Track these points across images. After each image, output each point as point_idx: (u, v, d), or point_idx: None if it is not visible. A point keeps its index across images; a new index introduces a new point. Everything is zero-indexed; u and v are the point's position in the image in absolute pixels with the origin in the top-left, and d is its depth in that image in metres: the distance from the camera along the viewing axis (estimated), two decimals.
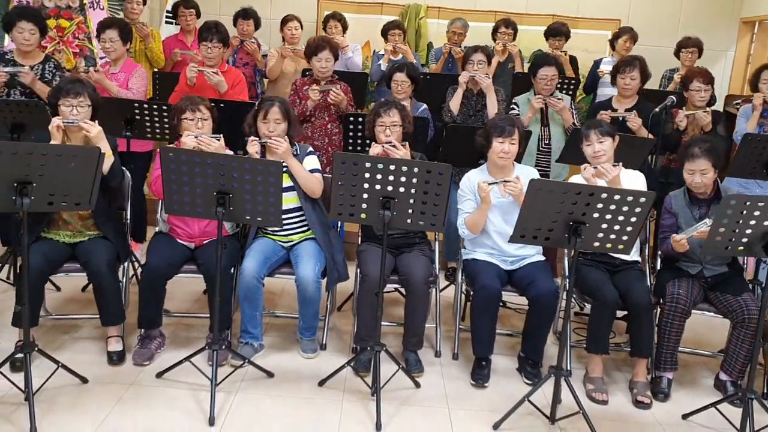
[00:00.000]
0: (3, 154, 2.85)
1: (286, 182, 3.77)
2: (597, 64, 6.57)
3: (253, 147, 3.71)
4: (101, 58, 5.17)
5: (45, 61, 4.58)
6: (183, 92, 4.61)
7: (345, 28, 6.40)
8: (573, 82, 5.98)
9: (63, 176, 3.01)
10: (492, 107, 4.80)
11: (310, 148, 3.94)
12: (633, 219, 3.04)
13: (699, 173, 3.63)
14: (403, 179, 3.14)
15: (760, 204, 2.97)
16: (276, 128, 3.75)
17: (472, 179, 3.84)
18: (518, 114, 4.81)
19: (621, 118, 4.73)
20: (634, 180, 3.79)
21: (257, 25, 6.25)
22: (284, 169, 3.77)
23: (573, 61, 6.60)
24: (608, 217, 3.03)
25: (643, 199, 2.98)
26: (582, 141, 3.85)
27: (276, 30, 6.57)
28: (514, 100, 5.00)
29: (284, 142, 3.70)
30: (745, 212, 3.00)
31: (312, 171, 3.81)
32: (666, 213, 3.81)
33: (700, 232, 3.37)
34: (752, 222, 3.03)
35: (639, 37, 6.52)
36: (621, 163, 3.72)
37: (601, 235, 3.10)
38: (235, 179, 3.16)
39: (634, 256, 3.85)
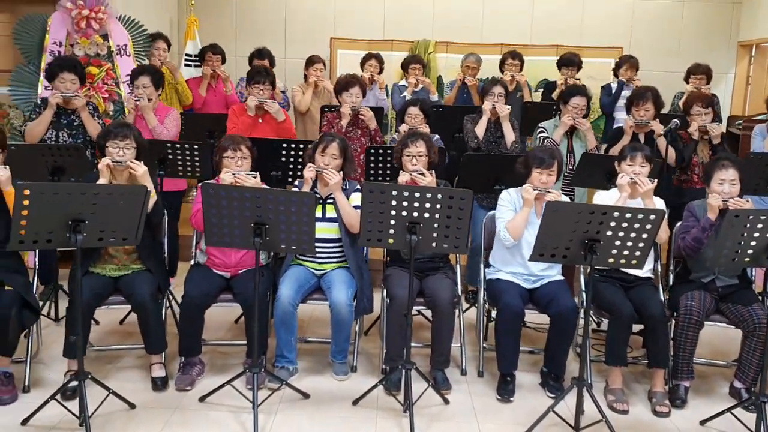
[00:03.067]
0: (60, 195, 3.12)
1: (331, 213, 4.04)
2: (606, 89, 6.81)
3: (309, 172, 3.98)
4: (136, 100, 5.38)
5: (86, 104, 4.90)
6: (244, 128, 5.08)
7: (382, 68, 6.72)
8: None
9: (112, 214, 3.27)
10: (509, 135, 5.11)
11: (358, 186, 4.12)
12: (644, 235, 3.26)
13: (729, 183, 3.84)
14: (427, 205, 3.38)
15: (762, 217, 3.20)
16: (332, 162, 4.01)
17: (512, 193, 4.10)
18: (548, 137, 5.07)
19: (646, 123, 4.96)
20: (658, 205, 4.00)
21: (272, 64, 6.53)
22: (331, 200, 4.03)
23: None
24: (621, 234, 3.25)
25: (652, 217, 3.21)
26: (625, 159, 4.04)
27: (291, 68, 6.93)
28: (541, 125, 5.23)
29: (337, 175, 3.95)
30: (748, 225, 3.23)
31: (356, 207, 3.95)
32: (690, 216, 3.98)
33: (737, 200, 3.70)
34: (756, 234, 3.26)
35: (641, 62, 6.77)
36: (656, 180, 3.95)
37: (615, 251, 3.32)
38: (271, 211, 3.39)
39: (646, 272, 4.06)
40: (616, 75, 6.86)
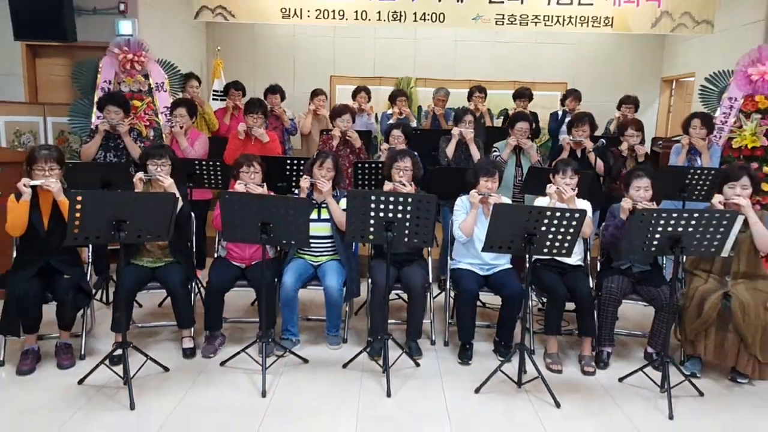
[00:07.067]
0: (109, 200, 3.29)
1: (325, 215, 4.19)
2: (554, 116, 6.98)
3: (305, 182, 4.14)
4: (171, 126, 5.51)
5: (129, 131, 5.10)
6: (235, 148, 5.14)
7: (369, 98, 6.87)
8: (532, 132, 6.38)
9: (148, 216, 3.42)
10: (475, 153, 5.22)
11: (346, 193, 4.29)
12: (571, 230, 3.43)
13: (643, 189, 4.01)
14: (400, 208, 3.54)
15: (663, 214, 3.36)
16: (327, 174, 4.17)
17: (464, 200, 4.25)
18: (499, 155, 5.22)
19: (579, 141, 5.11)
20: (582, 207, 4.15)
21: (282, 98, 6.66)
22: (325, 205, 4.18)
23: (534, 115, 7.03)
24: (552, 229, 3.42)
25: (576, 215, 3.37)
26: (558, 173, 4.21)
27: (299, 100, 7.06)
28: (495, 146, 5.37)
29: (328, 184, 4.11)
30: (653, 221, 3.39)
31: (345, 210, 4.15)
32: (611, 216, 4.14)
33: (645, 203, 3.86)
34: (659, 229, 3.41)
35: (583, 94, 6.95)
36: (576, 188, 4.13)
37: (548, 243, 3.49)
38: (274, 213, 3.56)
39: (578, 261, 4.21)
40: (563, 104, 7.04)
